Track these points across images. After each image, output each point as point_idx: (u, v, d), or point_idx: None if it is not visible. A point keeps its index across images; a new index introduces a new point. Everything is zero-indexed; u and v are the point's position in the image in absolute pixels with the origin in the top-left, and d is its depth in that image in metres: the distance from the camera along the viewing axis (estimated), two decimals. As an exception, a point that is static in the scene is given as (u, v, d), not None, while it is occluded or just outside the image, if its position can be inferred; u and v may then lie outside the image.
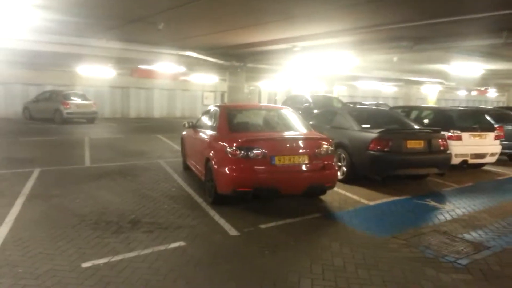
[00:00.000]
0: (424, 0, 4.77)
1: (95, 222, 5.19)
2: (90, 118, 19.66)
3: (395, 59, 8.97)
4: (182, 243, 4.57)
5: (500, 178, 9.11)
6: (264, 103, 29.02)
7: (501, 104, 30.50)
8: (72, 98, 19.12)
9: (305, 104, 15.61)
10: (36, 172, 7.99)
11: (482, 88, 27.25)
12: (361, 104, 19.89)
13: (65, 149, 11.25)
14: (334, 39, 7.12)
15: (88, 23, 6.91)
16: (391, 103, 26.41)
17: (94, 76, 20.25)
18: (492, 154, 9.45)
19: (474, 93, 36.62)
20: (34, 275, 3.68)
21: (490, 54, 8.95)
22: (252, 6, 5.47)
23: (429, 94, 23.36)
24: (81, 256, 4.15)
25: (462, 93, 37.90)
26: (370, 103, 21.91)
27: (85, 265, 3.94)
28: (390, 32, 6.27)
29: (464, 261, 4.29)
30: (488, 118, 10.98)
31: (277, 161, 5.64)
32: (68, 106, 18.52)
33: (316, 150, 5.84)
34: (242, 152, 5.55)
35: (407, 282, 3.79)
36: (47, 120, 19.09)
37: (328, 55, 8.22)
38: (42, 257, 4.09)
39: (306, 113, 12.59)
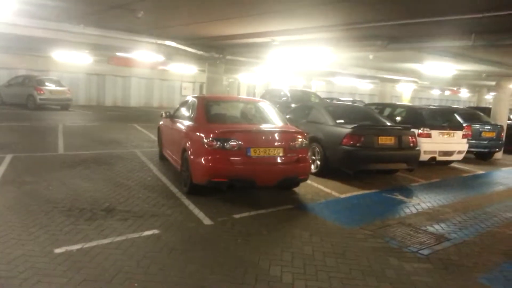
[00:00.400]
0: (398, 1, 4.93)
1: (68, 209, 5.19)
2: (64, 105, 19.26)
3: (371, 57, 9.20)
4: (156, 231, 4.64)
5: (466, 175, 9.52)
6: (243, 95, 29.05)
7: (472, 104, 31.52)
8: (46, 84, 18.66)
9: (283, 98, 15.77)
10: (8, 158, 7.85)
11: (455, 88, 28.13)
12: (337, 100, 20.24)
13: (38, 136, 11.05)
14: (312, 35, 7.25)
15: (66, 8, 6.78)
16: (367, 100, 26.89)
17: (70, 62, 19.77)
18: (459, 152, 9.85)
19: (447, 92, 37.68)
20: (6, 260, 3.69)
21: (461, 55, 9.27)
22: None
23: (404, 92, 23.89)
24: (54, 242, 4.17)
25: (436, 92, 38.92)
26: (346, 99, 22.32)
27: (58, 250, 3.97)
28: (365, 30, 6.44)
29: (426, 252, 4.54)
30: (457, 117, 11.42)
31: (252, 152, 5.75)
32: (41, 92, 18.08)
33: (291, 143, 5.99)
34: (218, 143, 5.64)
35: (371, 270, 3.99)
36: (19, 105, 18.59)
37: (306, 50, 8.37)
38: (14, 242, 4.09)
39: (283, 107, 12.75)
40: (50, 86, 18.70)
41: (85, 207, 5.30)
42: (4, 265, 3.59)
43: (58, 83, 19.37)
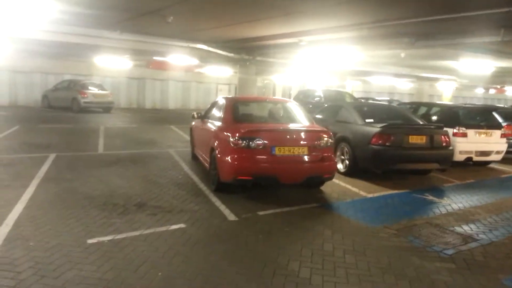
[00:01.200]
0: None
1: (103, 204, 5.52)
2: (106, 108, 20.16)
3: (402, 55, 9.05)
4: (182, 225, 4.85)
5: (504, 176, 9.15)
6: (279, 96, 29.16)
7: (518, 103, 29.96)
8: (89, 87, 19.63)
9: (316, 99, 15.78)
10: (51, 157, 8.40)
11: (498, 86, 26.86)
12: (373, 99, 19.91)
13: (80, 137, 11.68)
14: (338, 34, 7.26)
15: (101, 15, 7.21)
16: (407, 99, 26.25)
17: (111, 66, 20.72)
18: (498, 152, 9.47)
19: (492, 91, 36.00)
20: (44, 248, 4.01)
21: (499, 51, 8.94)
22: (258, 1, 5.66)
23: (444, 91, 23.14)
24: (88, 233, 4.47)
25: (479, 91, 37.30)
26: (383, 98, 21.89)
27: (90, 241, 4.26)
28: (392, 28, 6.39)
29: (450, 251, 4.47)
30: (496, 116, 10.97)
31: (277, 151, 5.87)
32: (85, 95, 19.03)
33: (316, 142, 6.05)
34: (244, 142, 5.79)
35: (390, 268, 3.99)
36: (65, 108, 19.66)
37: (333, 49, 8.38)
38: (52, 233, 4.43)
39: (317, 107, 12.76)
40: (93, 90, 19.65)
41: (118, 202, 5.61)
42: (42, 253, 3.91)
43: (100, 87, 20.32)
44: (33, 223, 4.67)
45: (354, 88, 29.31)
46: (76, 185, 6.39)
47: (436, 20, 5.39)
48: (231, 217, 5.27)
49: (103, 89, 20.29)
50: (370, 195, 6.71)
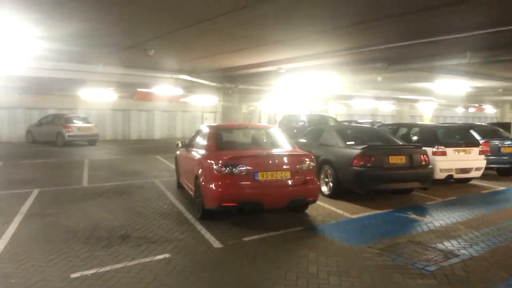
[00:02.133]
0: (395, 25, 5.15)
1: (86, 237, 5.49)
2: (91, 141, 20.10)
3: (379, 78, 9.36)
4: (167, 255, 4.85)
5: (484, 192, 9.34)
6: (264, 123, 29.45)
7: (495, 120, 30.79)
8: (73, 121, 19.61)
9: (300, 123, 16.03)
10: (35, 193, 8.33)
11: (477, 105, 27.67)
12: (356, 122, 20.29)
13: (64, 171, 11.60)
14: (316, 61, 7.53)
15: (83, 51, 7.37)
16: (390, 121, 26.78)
17: (96, 99, 20.79)
18: (477, 169, 9.71)
19: (472, 109, 36.97)
20: (26, 285, 3.97)
21: (473, 72, 9.32)
22: (237, 33, 5.87)
23: (425, 112, 23.71)
24: (71, 267, 4.44)
25: (460, 110, 38.26)
26: (365, 121, 22.32)
27: (74, 275, 4.23)
28: (366, 54, 6.67)
29: (431, 268, 4.55)
30: (473, 133, 11.30)
31: (260, 176, 5.96)
32: (69, 129, 18.98)
33: (298, 166, 6.16)
34: (227, 168, 5.88)
35: (374, 287, 4.05)
36: (49, 143, 19.54)
37: (312, 75, 8.65)
38: (34, 269, 4.38)
39: (301, 131, 12.96)
40: (78, 123, 19.62)
41: (102, 235, 5.58)
42: (24, 290, 3.87)
43: (85, 120, 20.31)
44: (15, 260, 4.62)
45: (338, 112, 29.81)
46: (59, 220, 6.34)
47: (406, 45, 5.67)
48: (216, 244, 5.28)
49: (88, 122, 20.28)
50: (354, 216, 6.80)
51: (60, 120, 19.42)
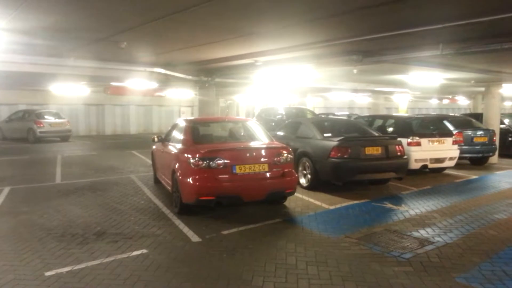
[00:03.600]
0: (369, 17, 5.17)
1: (61, 235, 5.35)
2: (64, 136, 19.59)
3: (354, 71, 9.43)
4: (144, 251, 4.78)
5: (458, 180, 9.61)
6: (242, 116, 29.38)
7: (469, 111, 31.64)
8: (45, 116, 19.05)
9: (278, 116, 16.05)
10: (6, 191, 8.06)
11: (450, 96, 28.32)
12: (333, 115, 20.48)
13: (36, 168, 11.28)
14: (292, 53, 7.51)
15: (52, 45, 7.12)
16: (367, 113, 27.15)
17: (68, 94, 20.20)
18: (451, 159, 9.96)
19: (446, 101, 37.84)
20: (-3, 285, 3.84)
21: (447, 64, 9.47)
22: (211, 25, 5.77)
23: (400, 104, 24.11)
24: (45, 266, 4.32)
25: (434, 102, 39.11)
26: (342, 113, 22.56)
27: (48, 273, 4.12)
28: (341, 46, 6.68)
29: (407, 255, 4.64)
30: (447, 124, 11.59)
31: (238, 170, 5.93)
32: (41, 125, 18.44)
33: (276, 159, 6.16)
34: (204, 162, 5.82)
35: (351, 276, 4.10)
36: (20, 139, 18.94)
37: (289, 68, 8.63)
38: (6, 268, 4.24)
39: (279, 124, 12.98)
40: (49, 119, 19.08)
41: (77, 232, 5.45)
42: (-5, 290, 3.74)
43: (57, 115, 19.76)
44: (-15, 260, 4.46)
45: (316, 105, 30.00)
46: (32, 218, 6.16)
47: (379, 37, 5.71)
48: (195, 238, 5.24)
49: (60, 117, 19.73)
50: (332, 207, 6.87)
51: (31, 116, 18.83)
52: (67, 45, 7.17)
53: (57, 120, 19.36)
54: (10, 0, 4.53)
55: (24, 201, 7.20)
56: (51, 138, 19.22)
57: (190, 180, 5.89)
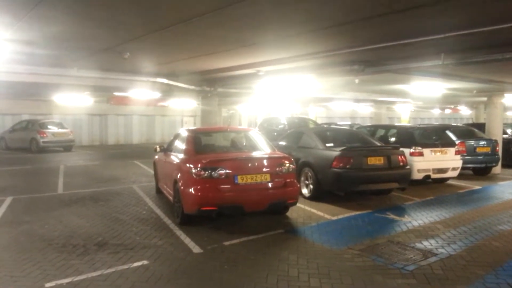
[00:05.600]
0: (371, 27, 5.20)
1: (62, 245, 5.33)
2: (67, 146, 19.63)
3: (356, 80, 9.45)
4: (145, 262, 4.74)
5: (461, 191, 9.54)
6: (245, 126, 29.40)
7: (471, 121, 31.58)
8: (48, 126, 19.11)
9: (280, 126, 16.07)
10: (8, 201, 8.05)
11: (452, 106, 28.32)
12: (336, 124, 20.49)
13: (39, 178, 11.28)
14: (295, 63, 7.55)
15: (55, 55, 7.18)
16: (369, 123, 27.16)
17: (71, 104, 20.30)
18: (454, 169, 9.91)
19: (448, 111, 37.83)
20: (-3, 297, 3.81)
21: (448, 74, 9.49)
22: (213, 35, 5.81)
23: (402, 113, 24.12)
24: (45, 277, 4.29)
25: (436, 112, 39.10)
26: (344, 123, 22.56)
27: (48, 285, 4.09)
28: (343, 56, 6.71)
29: (410, 267, 4.59)
30: (450, 134, 11.56)
31: (239, 180, 5.91)
32: (44, 135, 18.49)
33: (277, 169, 6.14)
34: (206, 172, 5.81)
35: (354, 288, 4.05)
36: (23, 149, 18.99)
37: (291, 78, 8.67)
38: (6, 279, 4.22)
39: (281, 134, 12.98)
40: (53, 129, 19.14)
41: (78, 243, 5.43)
42: (-6, 302, 3.71)
43: (60, 125, 19.83)
44: (-15, 271, 4.43)
45: (318, 114, 30.02)
46: (33, 228, 6.14)
47: (381, 47, 5.73)
48: (196, 249, 5.21)
49: (63, 127, 19.80)
50: (334, 218, 6.82)
51: (34, 126, 18.90)
52: (71, 55, 7.23)
53: (60, 130, 19.42)
54: (16, 10, 4.58)
55: (26, 211, 7.19)
56: (54, 148, 19.26)
57: (192, 190, 5.87)
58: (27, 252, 5.05)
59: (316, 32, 5.46)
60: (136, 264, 4.68)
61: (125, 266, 4.60)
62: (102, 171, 12.41)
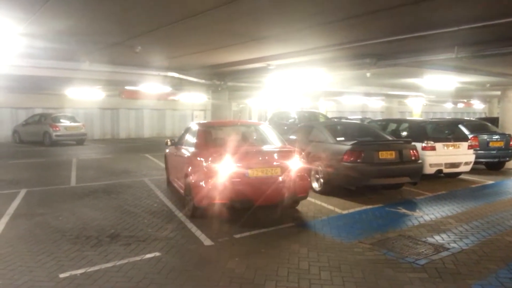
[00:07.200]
0: (383, 19, 5.15)
1: (75, 237, 5.41)
2: (79, 140, 19.87)
3: (368, 74, 9.37)
4: (157, 254, 4.80)
5: (473, 186, 9.44)
6: (255, 120, 29.41)
7: (484, 115, 31.15)
8: (61, 120, 19.35)
9: (290, 120, 16.05)
10: (22, 193, 8.19)
11: (465, 100, 27.97)
12: (346, 118, 20.37)
13: (52, 170, 11.44)
14: (305, 57, 7.51)
15: (68, 49, 7.25)
16: (380, 117, 26.97)
17: (83, 98, 20.52)
18: (466, 163, 9.79)
19: (460, 105, 37.35)
20: (13, 286, 3.89)
21: (462, 68, 9.37)
22: (223, 29, 5.81)
23: (414, 108, 23.89)
24: (60, 267, 4.37)
25: (449, 106, 38.64)
26: (355, 117, 22.42)
27: (62, 275, 4.17)
28: (355, 49, 6.66)
29: (422, 262, 4.57)
30: (462, 128, 11.42)
31: (250, 173, 5.92)
32: (57, 129, 18.73)
33: (288, 162, 6.13)
34: (217, 166, 5.83)
35: (365, 282, 4.05)
36: (36, 143, 19.27)
37: (301, 72, 8.62)
38: (22, 269, 4.30)
39: (291, 128, 12.96)
40: (65, 123, 19.37)
41: (92, 235, 5.51)
42: (11, 291, 3.79)
43: (72, 119, 20.06)
44: (1, 261, 4.52)
45: (328, 108, 29.87)
46: (47, 220, 6.24)
47: (394, 40, 5.67)
48: (207, 242, 5.25)
49: (75, 121, 20.03)
50: (344, 212, 6.81)
51: (47, 120, 19.15)
52: (83, 49, 7.29)
53: (73, 124, 19.65)
54: (29, 5, 4.63)
55: (40, 203, 7.31)
56: (66, 141, 19.51)
57: (202, 183, 5.90)
58: (41, 243, 5.14)
59: (327, 25, 5.43)
60: (148, 255, 4.74)
61: (138, 258, 4.67)
62: (114, 165, 12.54)
